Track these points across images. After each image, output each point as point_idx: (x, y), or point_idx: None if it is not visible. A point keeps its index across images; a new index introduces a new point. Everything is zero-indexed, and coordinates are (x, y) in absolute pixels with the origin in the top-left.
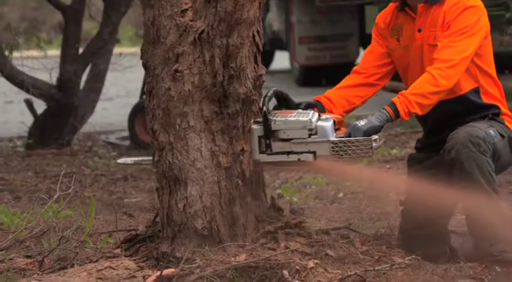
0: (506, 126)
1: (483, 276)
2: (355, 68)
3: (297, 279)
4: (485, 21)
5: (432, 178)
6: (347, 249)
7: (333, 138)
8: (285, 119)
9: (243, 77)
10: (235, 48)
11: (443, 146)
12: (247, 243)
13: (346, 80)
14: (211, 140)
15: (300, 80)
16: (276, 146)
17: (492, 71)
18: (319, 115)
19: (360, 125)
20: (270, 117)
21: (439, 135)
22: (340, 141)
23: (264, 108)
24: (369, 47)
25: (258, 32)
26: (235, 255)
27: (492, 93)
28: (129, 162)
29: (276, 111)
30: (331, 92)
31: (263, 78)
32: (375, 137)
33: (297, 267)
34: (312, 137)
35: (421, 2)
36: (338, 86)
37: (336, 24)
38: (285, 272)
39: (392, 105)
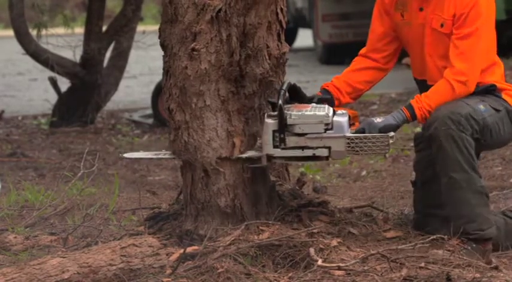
0: (504, 100)
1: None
2: (360, 51)
3: (320, 258)
4: (493, 2)
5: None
6: (370, 227)
7: (348, 133)
8: (301, 114)
9: (260, 57)
10: (252, 28)
11: None
12: (270, 222)
13: (353, 64)
14: (227, 120)
15: (323, 58)
16: (291, 140)
17: (493, 50)
18: (334, 110)
19: (376, 122)
20: (286, 111)
21: None
22: (357, 138)
23: (280, 102)
24: (371, 26)
25: (281, 9)
26: (258, 233)
27: (488, 75)
28: (136, 157)
29: (290, 105)
30: (338, 80)
31: (286, 56)
32: (392, 133)
33: (320, 245)
34: (328, 132)
35: None
36: (346, 70)
37: (359, 2)
38: (311, 250)
39: (411, 108)
